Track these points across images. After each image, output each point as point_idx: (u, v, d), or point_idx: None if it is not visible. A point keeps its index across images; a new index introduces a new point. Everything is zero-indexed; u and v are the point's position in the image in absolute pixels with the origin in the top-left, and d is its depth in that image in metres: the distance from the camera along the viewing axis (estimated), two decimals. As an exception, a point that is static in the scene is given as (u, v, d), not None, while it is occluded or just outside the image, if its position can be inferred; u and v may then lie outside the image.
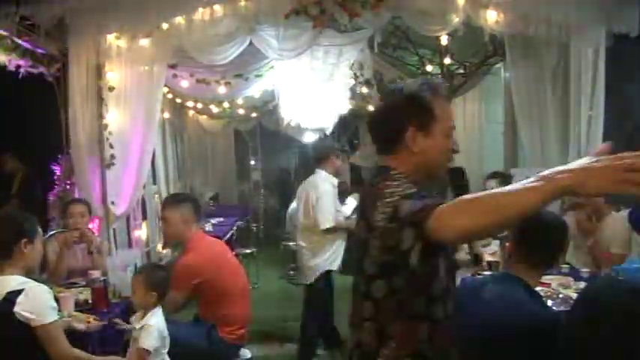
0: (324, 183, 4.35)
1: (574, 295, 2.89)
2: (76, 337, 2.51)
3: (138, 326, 2.58)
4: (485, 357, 1.89)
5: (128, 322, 2.74)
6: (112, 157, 4.21)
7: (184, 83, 5.56)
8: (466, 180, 1.53)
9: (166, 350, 2.64)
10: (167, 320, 2.70)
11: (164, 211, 3.33)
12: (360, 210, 1.60)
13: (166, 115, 7.00)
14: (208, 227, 6.54)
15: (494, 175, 4.44)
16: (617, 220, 3.61)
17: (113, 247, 4.31)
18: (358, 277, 1.57)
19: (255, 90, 6.28)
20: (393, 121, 1.58)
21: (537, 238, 1.96)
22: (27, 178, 6.18)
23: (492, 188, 1.42)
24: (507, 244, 2.24)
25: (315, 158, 4.57)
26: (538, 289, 2.14)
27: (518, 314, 1.85)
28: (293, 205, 8.17)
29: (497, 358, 1.87)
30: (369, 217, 1.47)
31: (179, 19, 4.02)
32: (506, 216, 1.15)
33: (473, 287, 2.10)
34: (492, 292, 1.96)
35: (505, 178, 4.21)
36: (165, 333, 2.63)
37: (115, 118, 4.24)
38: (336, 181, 4.47)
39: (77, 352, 2.36)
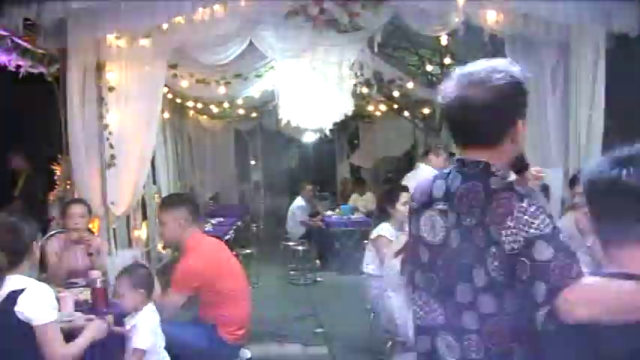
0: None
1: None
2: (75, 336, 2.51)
3: (128, 326, 2.59)
4: None
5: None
6: (112, 157, 4.21)
7: (184, 83, 5.57)
8: (527, 163, 1.49)
9: (162, 346, 2.64)
10: (167, 321, 2.70)
11: (160, 214, 3.31)
12: (467, 205, 1.39)
13: (166, 115, 7.00)
14: (208, 227, 6.56)
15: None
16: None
17: (113, 247, 4.31)
18: (453, 281, 1.40)
19: (255, 90, 6.30)
20: (506, 113, 1.45)
21: None
22: (30, 179, 6.17)
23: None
24: None
25: (420, 154, 5.35)
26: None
27: None
28: (296, 202, 8.25)
29: None
30: (487, 224, 1.32)
31: (179, 19, 4.01)
32: (622, 318, 1.15)
33: None
34: None
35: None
36: (158, 330, 2.63)
37: (115, 118, 4.24)
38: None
39: (72, 349, 2.36)
